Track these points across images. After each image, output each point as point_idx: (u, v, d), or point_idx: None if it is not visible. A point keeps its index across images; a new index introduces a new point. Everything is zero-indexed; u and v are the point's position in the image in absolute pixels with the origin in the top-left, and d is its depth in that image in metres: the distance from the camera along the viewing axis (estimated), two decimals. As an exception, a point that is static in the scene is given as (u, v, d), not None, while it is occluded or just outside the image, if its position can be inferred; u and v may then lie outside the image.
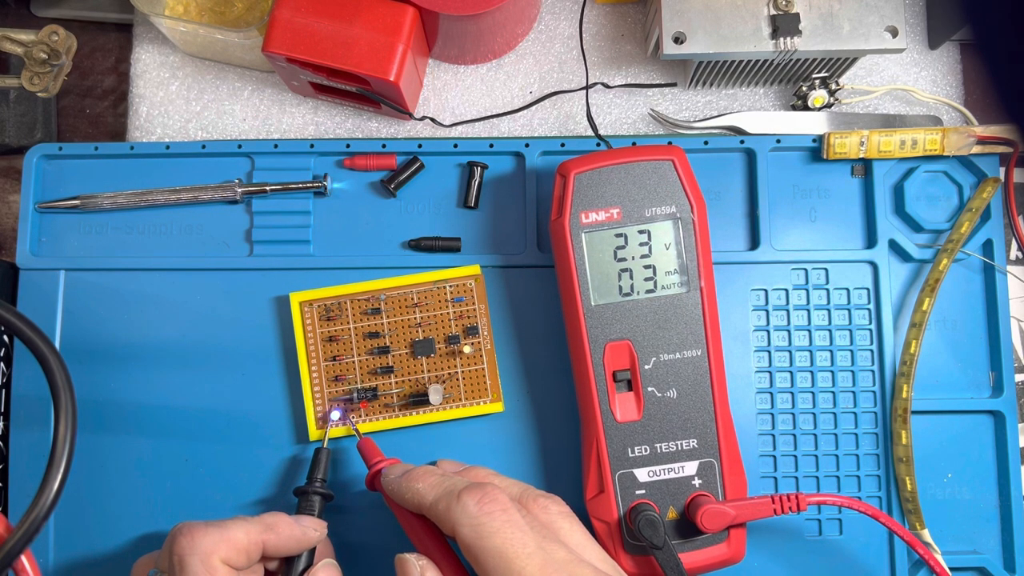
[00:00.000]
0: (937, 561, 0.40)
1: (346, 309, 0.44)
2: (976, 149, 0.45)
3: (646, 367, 0.40)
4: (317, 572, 0.38)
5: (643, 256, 0.41)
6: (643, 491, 0.40)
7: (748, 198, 0.47)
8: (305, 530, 0.38)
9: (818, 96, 0.47)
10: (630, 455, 0.40)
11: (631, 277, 0.41)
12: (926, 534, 0.43)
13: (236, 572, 0.36)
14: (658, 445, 0.40)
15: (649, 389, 0.40)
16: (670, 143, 0.44)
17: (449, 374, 0.44)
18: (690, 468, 0.40)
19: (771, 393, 0.45)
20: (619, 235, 0.41)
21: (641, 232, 0.41)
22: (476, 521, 0.34)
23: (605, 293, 0.41)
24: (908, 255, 0.46)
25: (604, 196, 0.41)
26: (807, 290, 0.46)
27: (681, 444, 0.40)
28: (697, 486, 0.40)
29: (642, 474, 0.40)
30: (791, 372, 0.45)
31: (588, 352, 0.40)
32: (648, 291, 0.40)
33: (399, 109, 0.47)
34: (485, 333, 0.44)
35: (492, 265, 0.46)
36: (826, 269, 0.46)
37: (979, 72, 0.49)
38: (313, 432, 0.44)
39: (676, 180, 0.41)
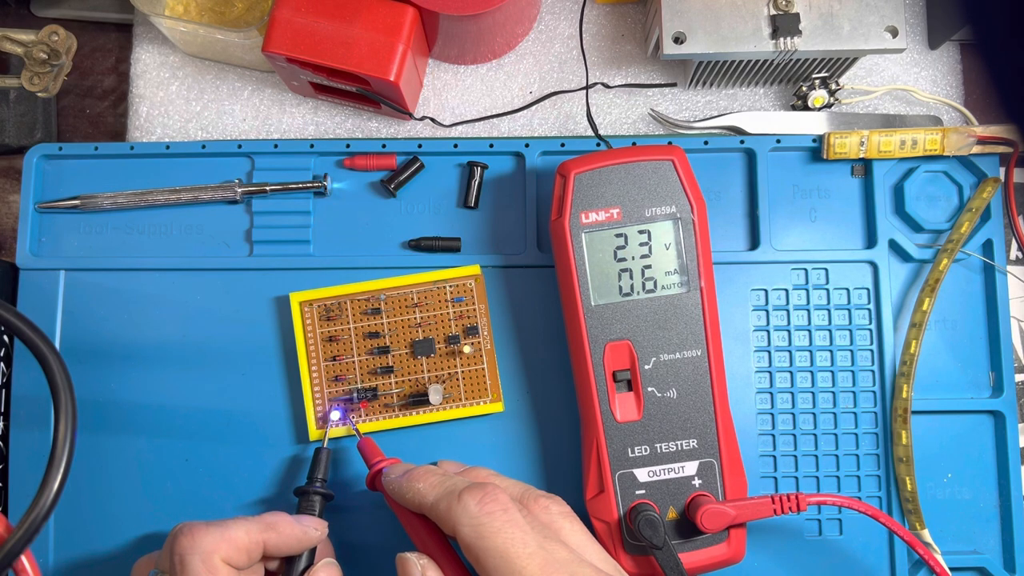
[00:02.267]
0: (937, 561, 0.40)
1: (346, 309, 0.45)
2: (976, 149, 0.45)
3: (646, 367, 0.40)
4: (317, 572, 0.38)
5: (643, 256, 0.41)
6: (643, 491, 0.40)
7: (748, 198, 0.47)
8: (306, 529, 0.38)
9: (818, 96, 0.47)
10: (630, 455, 0.40)
11: (631, 277, 0.41)
12: (926, 534, 0.43)
13: (237, 572, 0.36)
14: (658, 445, 0.40)
15: (649, 389, 0.40)
16: (670, 143, 0.44)
17: (449, 374, 0.44)
18: (690, 468, 0.40)
19: (771, 393, 0.45)
20: (619, 235, 0.41)
21: (641, 232, 0.41)
22: (477, 521, 0.34)
23: (605, 293, 0.41)
24: (908, 255, 0.46)
25: (604, 196, 0.41)
26: (807, 290, 0.46)
27: (681, 444, 0.40)
28: (697, 486, 0.40)
29: (642, 474, 0.40)
30: (791, 372, 0.45)
31: (588, 352, 0.40)
32: (648, 291, 0.40)
33: (399, 109, 0.47)
34: (485, 333, 0.44)
35: (492, 265, 0.46)
36: (826, 269, 0.46)
37: (979, 72, 0.49)
38: (313, 432, 0.44)
39: (676, 180, 0.41)
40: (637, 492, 0.40)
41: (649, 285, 0.41)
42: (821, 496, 0.40)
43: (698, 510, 0.39)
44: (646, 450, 0.40)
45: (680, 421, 0.40)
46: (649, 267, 0.41)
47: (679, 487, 0.40)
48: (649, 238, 0.41)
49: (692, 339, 0.40)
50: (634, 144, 0.45)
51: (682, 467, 0.40)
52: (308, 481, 0.41)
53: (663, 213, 0.41)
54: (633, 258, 0.41)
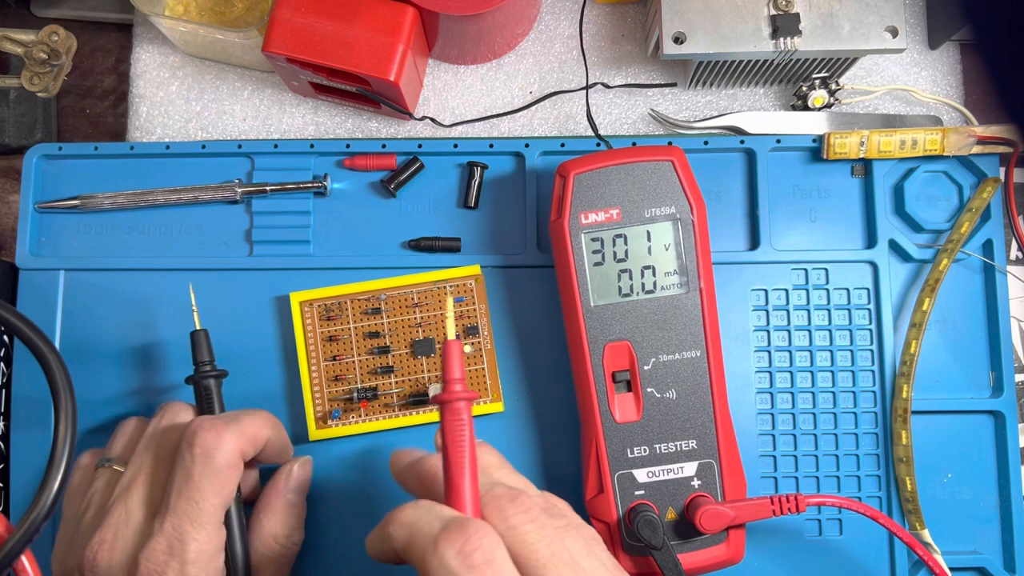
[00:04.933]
0: (937, 562, 0.40)
1: (346, 309, 0.45)
2: (976, 149, 0.45)
3: (645, 368, 0.40)
4: (294, 467, 0.41)
5: (643, 257, 0.41)
6: (642, 492, 0.40)
7: (748, 198, 0.47)
8: (288, 444, 0.41)
9: (818, 96, 0.47)
10: (629, 456, 0.40)
11: (630, 278, 0.41)
12: (926, 534, 0.43)
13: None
14: (657, 446, 0.40)
15: (648, 390, 0.40)
16: (670, 143, 0.44)
17: (449, 374, 0.44)
18: (689, 469, 0.40)
19: (771, 393, 0.45)
20: (619, 236, 0.41)
21: (641, 233, 0.41)
22: None
23: (604, 294, 0.41)
24: (908, 255, 0.46)
25: (604, 197, 0.41)
26: (807, 290, 0.46)
27: (680, 445, 0.40)
28: (696, 487, 0.40)
29: (641, 475, 0.40)
30: (791, 372, 0.45)
31: (587, 353, 0.40)
32: (647, 292, 0.40)
33: (399, 109, 0.47)
34: (485, 333, 0.44)
35: (492, 265, 0.46)
36: (826, 269, 0.46)
37: (979, 72, 0.49)
38: (313, 432, 0.44)
39: (676, 180, 0.41)
40: (636, 493, 0.40)
41: (648, 286, 0.40)
42: (820, 497, 0.40)
43: (697, 511, 0.39)
44: (645, 451, 0.40)
45: (679, 422, 0.40)
46: (649, 268, 0.41)
47: (678, 488, 0.40)
48: (649, 239, 0.41)
49: (691, 340, 0.40)
50: (634, 144, 0.45)
51: (681, 468, 0.40)
52: (196, 367, 0.41)
53: (663, 214, 0.41)
54: (633, 259, 0.41)
